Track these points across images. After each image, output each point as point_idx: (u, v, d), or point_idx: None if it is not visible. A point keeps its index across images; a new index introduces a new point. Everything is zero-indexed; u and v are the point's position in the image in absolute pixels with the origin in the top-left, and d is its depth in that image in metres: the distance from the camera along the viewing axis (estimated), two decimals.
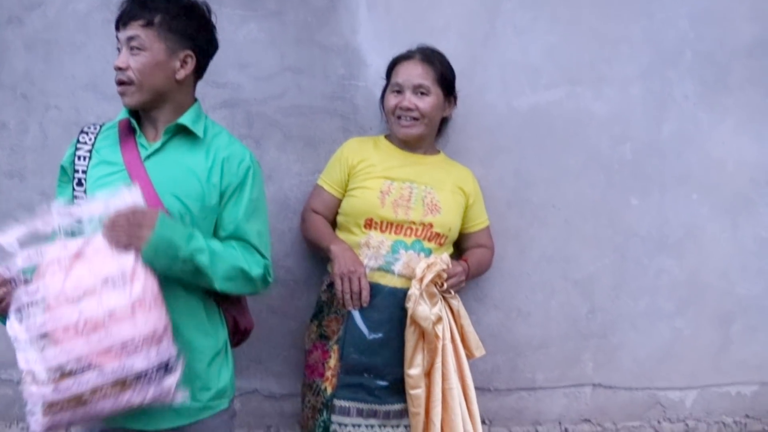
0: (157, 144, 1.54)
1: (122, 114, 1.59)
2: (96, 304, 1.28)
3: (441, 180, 1.96)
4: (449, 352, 1.86)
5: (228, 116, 2.12)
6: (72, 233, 1.38)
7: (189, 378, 1.55)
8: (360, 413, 1.85)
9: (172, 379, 1.36)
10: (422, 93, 1.89)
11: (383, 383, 1.85)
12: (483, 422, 2.30)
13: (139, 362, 1.30)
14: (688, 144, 2.28)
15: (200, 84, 2.05)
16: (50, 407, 1.28)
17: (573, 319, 2.32)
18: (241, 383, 2.23)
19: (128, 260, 1.33)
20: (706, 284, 2.36)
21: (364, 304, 1.83)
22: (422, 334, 1.82)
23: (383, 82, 2.05)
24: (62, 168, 1.60)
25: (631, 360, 2.37)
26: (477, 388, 2.22)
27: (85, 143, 1.57)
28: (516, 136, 2.21)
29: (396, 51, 2.08)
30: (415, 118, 1.90)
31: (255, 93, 2.12)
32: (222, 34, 2.04)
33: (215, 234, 1.59)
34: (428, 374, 1.85)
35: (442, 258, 1.84)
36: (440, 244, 1.93)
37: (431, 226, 1.90)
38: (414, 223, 1.89)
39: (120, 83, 1.50)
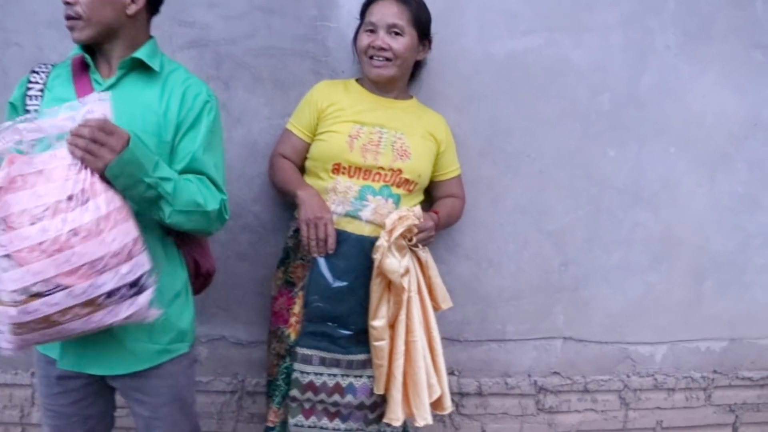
0: (112, 79, 1.50)
1: (75, 50, 1.54)
2: (61, 222, 1.22)
3: (412, 125, 1.91)
4: (415, 303, 1.83)
5: (196, 56, 2.06)
6: (36, 148, 1.31)
7: None
8: (322, 362, 1.83)
9: (144, 297, 1.32)
10: (396, 33, 1.83)
11: (347, 332, 1.83)
12: (452, 373, 2.32)
13: (110, 281, 1.26)
14: (667, 96, 2.23)
15: (167, 23, 2.01)
16: (18, 327, 1.24)
17: (545, 271, 2.30)
18: (208, 330, 2.23)
19: (88, 175, 1.27)
20: (681, 239, 2.34)
21: (330, 251, 1.79)
22: (388, 285, 1.79)
23: (356, 24, 1.99)
24: (11, 105, 1.56)
25: (602, 314, 2.36)
26: (446, 339, 2.23)
27: (37, 82, 1.53)
28: (492, 83, 2.15)
29: None
30: (388, 59, 1.83)
31: (223, 33, 2.05)
32: None
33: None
34: (392, 326, 1.83)
35: (414, 211, 1.80)
36: (409, 191, 1.89)
37: (400, 171, 1.86)
38: (383, 168, 1.85)
39: (68, 18, 1.45)
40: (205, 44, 2.06)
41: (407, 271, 1.78)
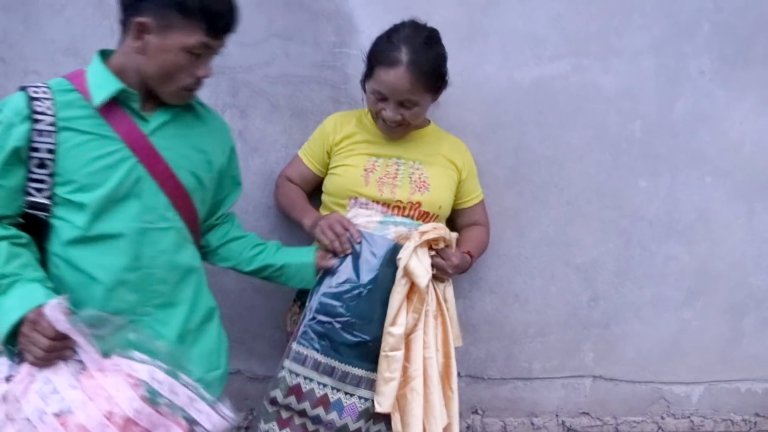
0: (164, 117, 1.42)
1: (108, 85, 1.34)
2: None
3: (431, 154, 1.83)
4: (431, 324, 1.71)
5: (212, 84, 2.01)
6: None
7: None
8: (316, 366, 1.66)
9: None
10: (408, 105, 1.69)
11: (351, 338, 1.66)
12: (475, 412, 2.23)
13: None
14: (702, 123, 2.14)
15: None
16: None
17: (573, 306, 2.21)
18: None
19: None
20: (718, 273, 2.24)
21: (357, 241, 1.67)
22: (409, 294, 1.67)
23: None
24: (15, 151, 1.30)
25: (634, 351, 2.26)
26: (469, 377, 2.15)
27: (44, 113, 1.31)
28: (517, 110, 2.08)
29: (390, 17, 1.93)
30: (400, 124, 1.73)
31: (240, 60, 2.01)
32: None
33: (221, 200, 1.66)
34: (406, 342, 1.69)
35: (452, 234, 1.72)
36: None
37: (419, 204, 1.78)
38: (401, 201, 1.77)
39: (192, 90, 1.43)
40: (221, 72, 2.01)
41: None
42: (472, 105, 2.06)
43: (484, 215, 2.00)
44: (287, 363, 1.67)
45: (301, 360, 1.66)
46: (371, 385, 1.67)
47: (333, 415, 1.66)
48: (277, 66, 2.02)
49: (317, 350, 1.66)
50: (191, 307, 1.51)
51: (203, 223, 1.62)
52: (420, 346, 1.69)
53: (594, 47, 2.07)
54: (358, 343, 1.67)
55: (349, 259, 1.68)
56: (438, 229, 1.68)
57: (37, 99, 1.32)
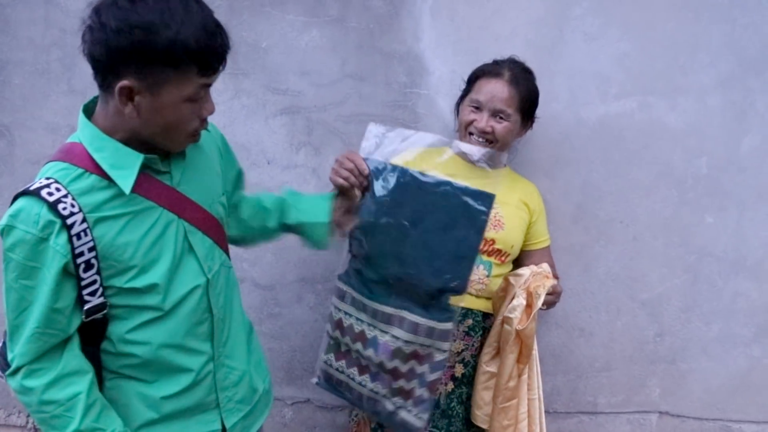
0: (183, 163, 1.33)
1: (128, 163, 1.20)
2: None
3: (505, 194, 1.88)
4: (534, 366, 1.82)
5: (288, 123, 2.11)
6: None
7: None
8: (353, 302, 1.67)
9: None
10: (501, 118, 1.79)
11: (373, 275, 1.63)
12: None
13: None
14: None
15: (260, 90, 2.09)
16: None
17: (639, 341, 2.21)
18: (294, 392, 2.24)
19: None
20: None
21: (364, 171, 1.58)
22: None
23: (446, 90, 2.02)
24: (63, 268, 1.16)
25: (701, 388, 2.24)
26: None
27: (73, 214, 1.14)
28: (583, 148, 2.11)
29: (460, 59, 2.03)
30: (489, 141, 1.81)
31: (315, 100, 2.10)
32: (284, 41, 2.06)
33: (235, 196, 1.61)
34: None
35: (544, 268, 1.72)
36: (501, 261, 1.85)
37: (493, 242, 1.82)
38: None
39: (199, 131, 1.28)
40: (297, 111, 2.11)
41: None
42: (540, 143, 2.10)
43: (551, 260, 2.01)
44: (333, 299, 1.74)
45: (341, 296, 1.71)
46: (403, 324, 1.61)
47: (370, 352, 1.65)
48: (350, 106, 2.10)
49: (353, 287, 1.68)
50: (242, 326, 1.52)
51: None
52: (525, 389, 1.75)
53: (660, 85, 2.09)
54: (381, 279, 1.64)
55: (374, 195, 1.63)
56: (542, 277, 1.70)
57: (57, 202, 1.13)
